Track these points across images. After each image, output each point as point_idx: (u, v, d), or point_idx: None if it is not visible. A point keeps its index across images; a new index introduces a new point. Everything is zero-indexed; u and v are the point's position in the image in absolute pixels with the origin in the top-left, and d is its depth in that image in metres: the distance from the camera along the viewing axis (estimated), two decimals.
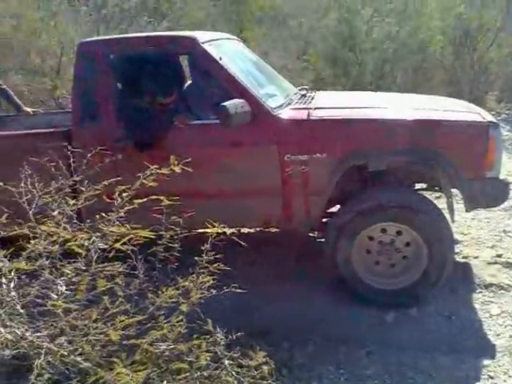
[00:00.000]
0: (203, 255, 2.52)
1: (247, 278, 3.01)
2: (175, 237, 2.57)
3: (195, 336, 2.46)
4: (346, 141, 3.14)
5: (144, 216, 2.51)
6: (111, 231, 2.24)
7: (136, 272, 2.43)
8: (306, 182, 3.17)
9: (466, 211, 3.25)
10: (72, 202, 2.35)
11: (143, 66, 3.52)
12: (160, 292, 2.42)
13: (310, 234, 3.87)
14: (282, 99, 3.51)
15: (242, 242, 2.71)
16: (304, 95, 3.71)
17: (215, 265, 2.49)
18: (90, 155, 2.75)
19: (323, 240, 3.37)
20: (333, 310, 3.22)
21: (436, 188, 3.58)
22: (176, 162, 2.47)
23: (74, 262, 2.22)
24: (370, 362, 2.73)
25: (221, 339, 2.49)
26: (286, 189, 3.20)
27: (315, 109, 3.27)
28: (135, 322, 2.30)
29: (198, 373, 2.35)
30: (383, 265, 3.22)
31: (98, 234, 2.28)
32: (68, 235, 2.15)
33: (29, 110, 4.64)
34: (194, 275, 2.48)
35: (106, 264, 2.27)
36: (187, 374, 2.35)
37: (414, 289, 3.17)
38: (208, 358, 2.36)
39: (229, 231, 2.64)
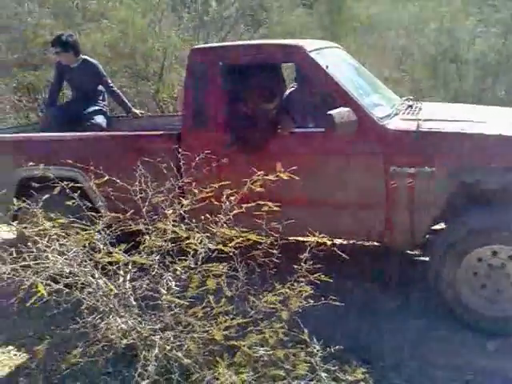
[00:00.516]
0: (302, 263, 2.52)
1: (345, 292, 2.95)
2: (275, 243, 2.58)
3: (292, 345, 2.47)
4: (457, 156, 3.00)
5: (248, 220, 2.55)
6: (222, 232, 2.29)
7: (237, 274, 2.47)
8: (412, 197, 3.06)
9: None
10: (186, 202, 2.43)
11: (250, 74, 3.59)
12: (260, 296, 2.45)
13: (410, 252, 3.75)
14: (389, 109, 3.43)
15: (343, 254, 2.66)
16: (411, 106, 3.60)
17: (316, 275, 2.48)
18: (198, 158, 2.86)
19: (425, 258, 3.24)
20: (432, 333, 3.08)
21: None
22: (282, 170, 2.50)
23: (184, 259, 2.30)
24: None
25: (317, 350, 2.47)
26: (390, 202, 3.11)
27: (424, 120, 3.15)
28: (236, 323, 2.34)
29: (296, 381, 2.34)
30: (490, 289, 3.04)
31: (208, 234, 2.35)
32: (184, 233, 2.22)
33: (137, 111, 4.88)
34: (292, 283, 2.49)
35: (212, 264, 2.33)
36: (283, 381, 2.35)
37: None
38: (306, 368, 2.34)
39: (329, 242, 2.61)
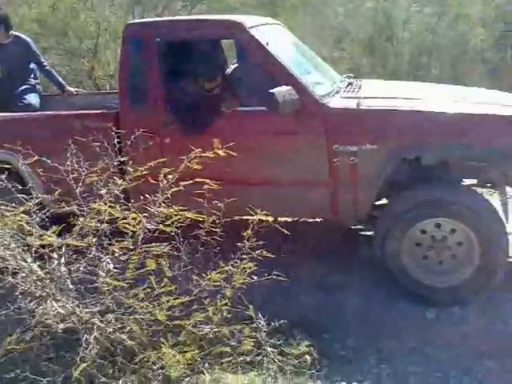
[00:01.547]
0: (245, 241, 2.50)
1: (289, 267, 2.97)
2: (217, 222, 2.55)
3: (238, 321, 2.46)
4: (398, 133, 3.03)
5: (189, 200, 2.50)
6: (159, 212, 2.23)
7: (180, 254, 2.43)
8: (355, 174, 3.09)
9: None
10: (120, 181, 2.35)
11: (188, 50, 3.48)
12: (204, 275, 2.42)
13: (354, 227, 3.81)
14: (330, 87, 3.42)
15: (284, 231, 2.67)
16: (351, 83, 3.61)
17: (258, 251, 2.47)
18: (138, 138, 2.76)
19: (368, 233, 3.28)
20: (374, 304, 3.15)
21: (488, 185, 3.45)
22: (219, 146, 2.46)
23: (121, 241, 2.22)
24: (413, 360, 2.66)
25: (263, 326, 2.49)
26: (334, 180, 3.12)
27: (365, 98, 3.17)
28: (180, 303, 2.30)
29: (241, 357, 2.34)
30: (431, 260, 3.12)
31: (146, 214, 2.28)
32: (118, 214, 2.14)
33: (72, 89, 4.66)
34: (236, 260, 2.48)
35: (152, 244, 2.27)
36: (230, 358, 2.35)
37: (463, 288, 3.05)
38: (251, 344, 2.35)
39: (271, 219, 2.60)
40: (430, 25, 9.02)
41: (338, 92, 3.36)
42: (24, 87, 4.39)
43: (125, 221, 2.16)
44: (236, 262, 2.46)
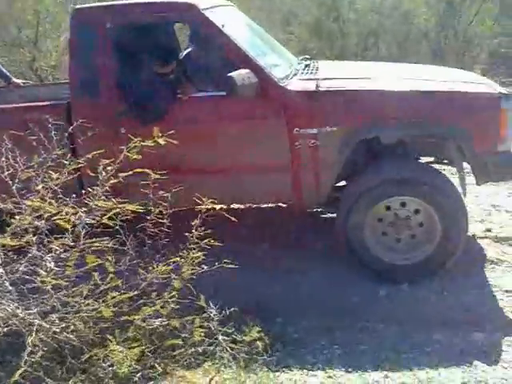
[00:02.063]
0: (193, 231, 2.47)
1: (240, 255, 2.96)
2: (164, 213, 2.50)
3: (189, 312, 2.44)
4: (357, 113, 3.04)
5: (144, 191, 2.43)
6: (97, 205, 2.16)
7: (125, 248, 2.37)
8: (316, 156, 3.07)
9: (477, 184, 3.20)
10: (55, 175, 2.25)
11: (140, 35, 3.33)
12: (151, 268, 2.38)
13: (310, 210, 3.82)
14: (287, 69, 3.36)
15: (232, 218, 2.65)
16: (308, 65, 3.57)
17: (206, 240, 2.44)
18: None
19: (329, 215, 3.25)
20: (326, 284, 3.19)
21: (445, 161, 3.51)
22: (159, 135, 2.39)
23: (61, 237, 2.14)
24: (364, 337, 2.70)
25: (214, 315, 2.47)
26: (296, 163, 3.10)
27: (323, 79, 3.14)
28: (127, 298, 2.25)
29: (193, 349, 2.32)
30: (390, 237, 3.15)
31: (85, 208, 2.20)
32: (53, 210, 2.06)
33: (19, 81, 4.46)
34: (184, 251, 2.44)
35: (94, 239, 2.20)
36: (182, 350, 2.32)
37: (424, 265, 3.12)
38: (202, 334, 2.33)
39: (218, 207, 2.57)
40: (376, 5, 9.11)
41: (295, 74, 3.32)
42: None
43: (60, 217, 2.07)
44: (184, 253, 2.43)
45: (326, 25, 8.54)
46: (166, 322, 2.30)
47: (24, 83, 4.56)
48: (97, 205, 2.13)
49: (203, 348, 2.36)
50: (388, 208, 3.11)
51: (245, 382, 2.36)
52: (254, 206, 4.12)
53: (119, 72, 3.21)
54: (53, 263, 2.07)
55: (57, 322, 2.07)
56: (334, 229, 3.22)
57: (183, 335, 2.35)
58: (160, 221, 2.46)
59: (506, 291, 3.06)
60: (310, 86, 3.09)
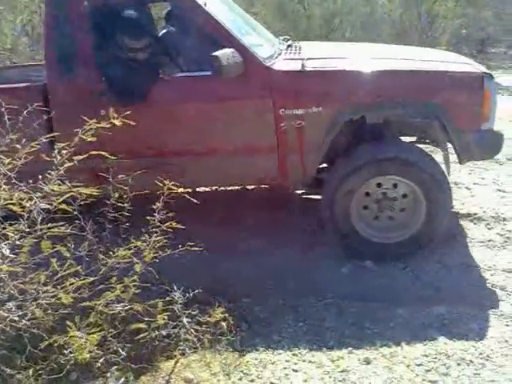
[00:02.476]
0: (155, 214, 2.43)
1: (207, 237, 2.94)
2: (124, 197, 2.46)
3: (153, 296, 2.42)
4: (344, 93, 3.02)
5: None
6: (52, 190, 2.09)
7: (85, 233, 2.32)
8: (302, 137, 3.05)
9: (460, 163, 3.25)
10: (7, 160, 2.17)
11: (116, 11, 3.16)
12: (111, 253, 2.34)
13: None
14: (271, 49, 3.31)
15: (194, 200, 2.62)
16: (290, 45, 3.51)
17: (167, 224, 2.41)
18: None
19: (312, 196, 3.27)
20: (290, 263, 3.22)
21: (427, 141, 3.53)
22: (115, 116, 2.32)
23: (16, 223, 2.08)
24: (329, 314, 2.74)
25: (178, 298, 2.45)
26: (282, 145, 3.07)
27: (308, 59, 3.09)
28: (87, 284, 2.21)
29: (156, 332, 2.31)
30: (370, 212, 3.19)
31: (39, 194, 2.14)
32: (4, 195, 1.99)
33: None
34: (146, 235, 2.40)
35: (50, 225, 2.14)
36: (145, 333, 2.30)
37: (410, 243, 3.17)
38: (166, 318, 2.31)
39: (179, 190, 2.54)
40: None
41: (280, 54, 3.27)
42: None
43: (12, 201, 2.00)
44: (146, 237, 2.39)
45: (290, 6, 8.49)
46: (129, 307, 2.27)
47: None
48: (52, 189, 2.06)
49: (167, 331, 2.35)
50: (379, 185, 3.13)
51: (210, 363, 2.37)
52: (221, 188, 4.10)
53: (97, 50, 3.09)
54: (8, 250, 2.01)
55: (14, 309, 2.02)
56: (319, 207, 3.22)
57: (147, 319, 2.33)
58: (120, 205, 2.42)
59: (468, 266, 3.14)
60: (296, 66, 3.05)
